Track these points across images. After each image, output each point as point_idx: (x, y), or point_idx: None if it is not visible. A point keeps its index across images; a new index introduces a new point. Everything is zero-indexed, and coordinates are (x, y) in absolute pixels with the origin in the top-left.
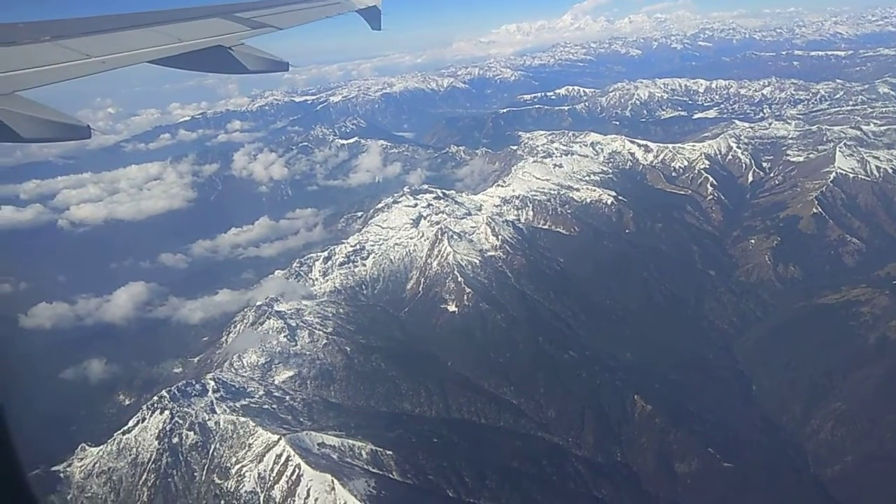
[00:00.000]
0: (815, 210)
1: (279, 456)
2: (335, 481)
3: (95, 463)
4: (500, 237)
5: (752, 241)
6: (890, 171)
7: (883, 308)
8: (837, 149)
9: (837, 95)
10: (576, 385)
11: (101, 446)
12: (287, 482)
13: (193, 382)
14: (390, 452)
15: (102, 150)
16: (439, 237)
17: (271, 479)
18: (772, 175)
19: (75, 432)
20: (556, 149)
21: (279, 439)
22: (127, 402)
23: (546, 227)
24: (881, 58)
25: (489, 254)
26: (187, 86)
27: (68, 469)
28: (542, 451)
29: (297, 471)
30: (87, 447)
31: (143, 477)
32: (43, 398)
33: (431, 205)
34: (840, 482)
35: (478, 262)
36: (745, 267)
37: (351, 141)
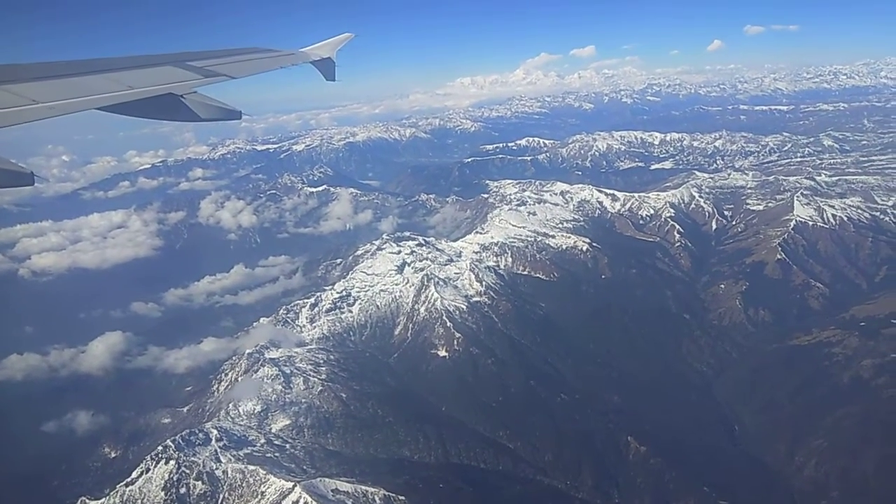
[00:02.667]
0: (779, 256)
1: (295, 503)
2: None
3: None
4: (483, 283)
5: (722, 286)
6: (845, 218)
7: (854, 349)
8: (795, 198)
9: (785, 148)
10: (570, 428)
11: (103, 499)
12: None
13: (197, 432)
14: (403, 497)
15: (60, 197)
16: (425, 283)
17: None
18: (734, 223)
19: (57, 488)
20: (529, 197)
21: (294, 486)
22: (113, 455)
23: (526, 273)
24: (821, 112)
25: (475, 299)
26: (142, 133)
27: None
28: (545, 494)
29: None
30: (87, 501)
31: None
32: (21, 453)
33: (415, 252)
34: None
35: (465, 307)
36: (718, 311)
37: (320, 189)
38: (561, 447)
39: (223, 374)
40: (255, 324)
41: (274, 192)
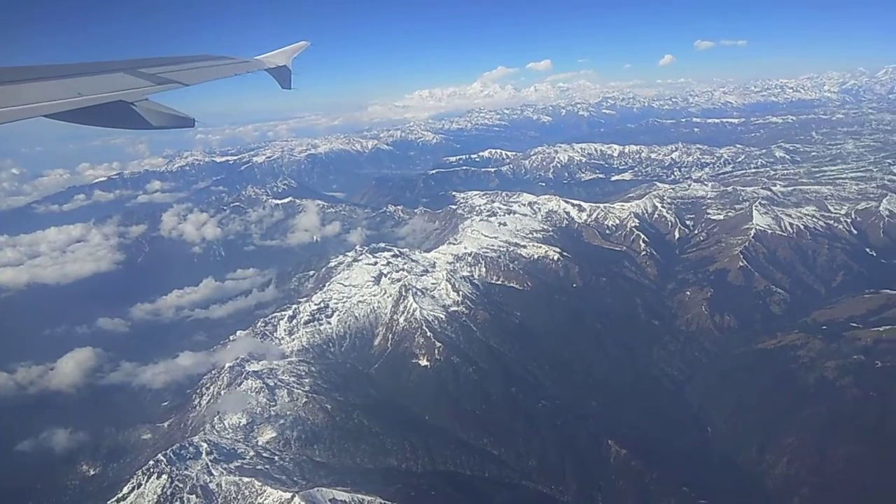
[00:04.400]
0: (741, 263)
1: None
2: None
3: None
4: (460, 293)
5: (688, 293)
6: (801, 227)
7: (818, 351)
8: (753, 207)
9: (739, 159)
10: (552, 433)
11: None
12: None
13: (187, 445)
14: None
15: (12, 211)
16: (403, 294)
17: None
18: (696, 232)
19: None
20: (499, 208)
21: (293, 496)
22: (92, 473)
23: (500, 282)
24: (771, 125)
25: (452, 309)
26: (93, 145)
27: None
28: (532, 499)
29: None
30: None
31: None
32: None
33: (390, 262)
34: None
35: (443, 317)
36: (685, 317)
37: (285, 201)
38: (544, 452)
39: (204, 388)
40: (231, 337)
41: (238, 204)
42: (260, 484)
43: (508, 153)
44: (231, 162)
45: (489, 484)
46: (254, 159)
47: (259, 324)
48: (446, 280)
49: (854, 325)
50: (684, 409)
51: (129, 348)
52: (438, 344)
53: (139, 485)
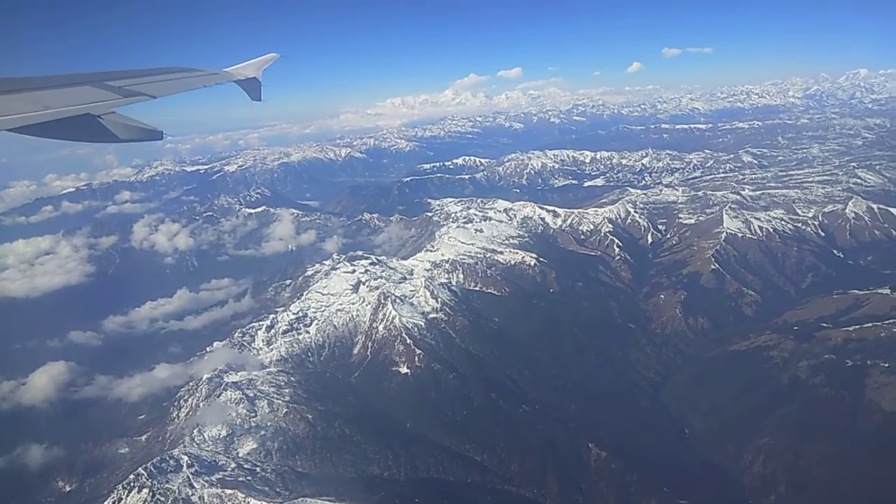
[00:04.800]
0: (713, 266)
1: None
2: None
3: None
4: (438, 300)
5: (662, 296)
6: (771, 230)
7: (790, 351)
8: (724, 211)
9: (708, 164)
10: (533, 438)
11: None
12: None
13: (167, 458)
14: None
15: None
16: (382, 301)
17: None
18: (668, 236)
19: None
20: (475, 215)
21: None
22: (68, 489)
23: (478, 288)
24: (738, 130)
25: (431, 316)
26: (59, 156)
27: None
28: (519, 502)
29: None
30: None
31: None
32: None
33: (368, 270)
34: None
35: (422, 324)
36: (660, 320)
37: (259, 210)
38: (526, 457)
39: (182, 401)
40: (209, 348)
41: (210, 213)
42: (244, 496)
43: (482, 160)
44: (202, 171)
45: (472, 490)
46: (225, 168)
47: (236, 334)
48: (424, 287)
49: (824, 325)
50: (662, 410)
51: (102, 361)
52: (418, 351)
53: (119, 499)
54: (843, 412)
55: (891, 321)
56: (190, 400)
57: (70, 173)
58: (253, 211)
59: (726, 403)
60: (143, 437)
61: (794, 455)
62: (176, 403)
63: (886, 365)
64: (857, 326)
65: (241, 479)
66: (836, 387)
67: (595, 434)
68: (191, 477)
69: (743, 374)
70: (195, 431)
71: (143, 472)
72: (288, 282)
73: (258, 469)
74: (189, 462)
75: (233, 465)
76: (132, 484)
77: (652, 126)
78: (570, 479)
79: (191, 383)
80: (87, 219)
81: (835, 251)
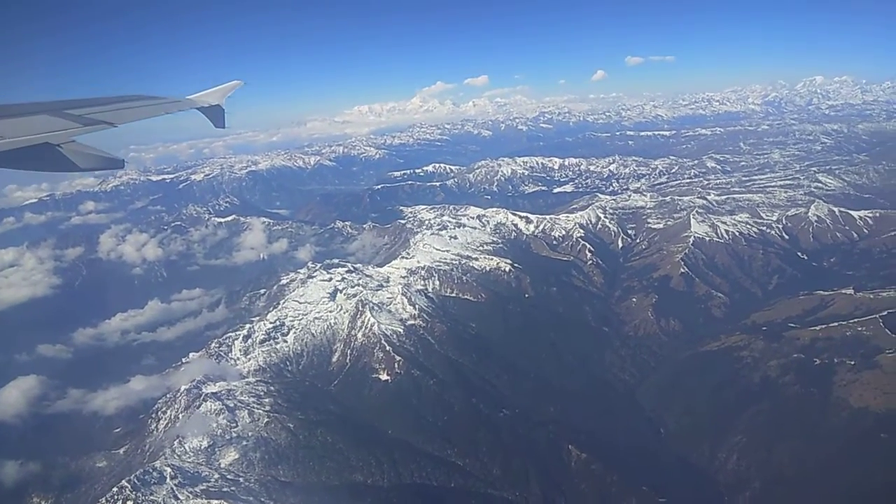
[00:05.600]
0: (682, 270)
1: None
2: None
3: None
4: (416, 306)
5: (634, 299)
6: (737, 233)
7: (760, 351)
8: (691, 216)
9: (673, 170)
10: (514, 441)
11: None
12: None
13: (150, 470)
14: None
15: None
16: (360, 309)
17: None
18: (638, 241)
19: None
20: (448, 221)
21: None
22: None
23: (454, 295)
24: (701, 137)
25: (409, 323)
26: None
27: None
28: None
29: None
30: None
31: None
32: None
33: (345, 278)
34: None
35: (401, 331)
36: (633, 323)
37: (228, 219)
38: (508, 460)
39: (160, 413)
40: (184, 359)
41: (179, 223)
42: None
43: (452, 167)
44: (168, 180)
45: (456, 494)
46: (192, 177)
47: (213, 344)
48: (402, 294)
49: (792, 325)
50: (638, 411)
51: (74, 375)
52: (398, 358)
53: None
54: (813, 409)
55: (855, 320)
56: (168, 412)
57: (31, 184)
58: (222, 220)
59: (700, 403)
60: (122, 450)
61: (766, 452)
62: (154, 415)
63: (853, 363)
64: (823, 326)
65: (224, 489)
66: (806, 385)
67: (574, 436)
68: (175, 489)
69: (715, 374)
70: (176, 443)
71: (126, 484)
72: (262, 291)
73: (241, 479)
74: (172, 474)
75: (216, 475)
76: (115, 497)
77: (617, 133)
78: (551, 481)
79: (168, 395)
80: (51, 230)
81: (799, 253)
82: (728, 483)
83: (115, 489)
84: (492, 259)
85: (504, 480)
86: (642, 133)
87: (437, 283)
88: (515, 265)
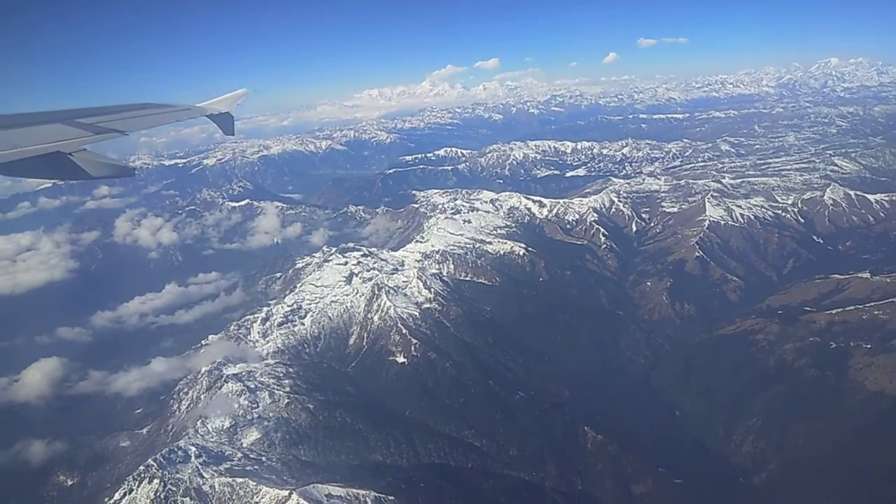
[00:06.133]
0: (697, 254)
1: None
2: None
3: None
4: (431, 290)
5: (649, 283)
6: (752, 217)
7: (776, 335)
8: (706, 199)
9: (687, 153)
10: (530, 423)
11: None
12: None
13: (176, 449)
14: (392, 498)
15: None
16: (376, 292)
17: None
18: (652, 224)
19: None
20: (462, 205)
21: (290, 494)
22: (70, 483)
23: (468, 278)
24: (715, 120)
25: (425, 306)
26: None
27: None
28: (517, 487)
29: None
30: None
31: None
32: None
33: (361, 262)
34: (768, 487)
35: (417, 314)
36: (647, 307)
37: (242, 203)
38: (524, 442)
39: (182, 393)
40: (203, 342)
41: (193, 207)
42: (255, 483)
43: (464, 151)
44: (180, 165)
45: (474, 474)
46: (204, 162)
47: (232, 327)
48: (417, 278)
49: (808, 308)
50: (652, 394)
51: (94, 357)
52: (414, 341)
53: (130, 490)
54: (829, 392)
55: (872, 304)
56: (190, 392)
57: None
58: (236, 204)
59: (715, 386)
60: (144, 430)
61: (782, 434)
62: (175, 396)
63: (869, 346)
64: (839, 310)
65: (248, 468)
66: (822, 368)
67: (590, 418)
68: (199, 467)
69: (730, 357)
70: (199, 423)
71: (153, 462)
72: (278, 274)
73: (263, 458)
74: (197, 452)
75: (239, 454)
76: (143, 475)
77: (630, 116)
78: (567, 462)
79: (189, 376)
80: (65, 214)
81: (814, 237)
82: (743, 465)
83: (141, 467)
84: (506, 243)
85: (521, 461)
86: (655, 116)
87: (451, 266)
88: (529, 249)
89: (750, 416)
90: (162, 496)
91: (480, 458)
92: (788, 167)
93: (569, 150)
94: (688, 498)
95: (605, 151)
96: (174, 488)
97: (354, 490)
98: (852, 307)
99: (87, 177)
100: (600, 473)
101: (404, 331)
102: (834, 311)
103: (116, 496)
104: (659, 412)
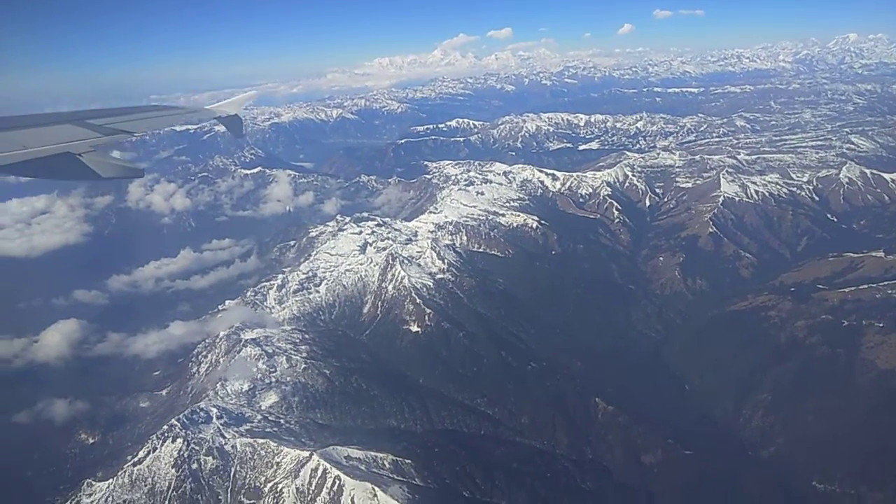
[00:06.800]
0: (710, 230)
1: (314, 470)
2: (376, 489)
3: (107, 497)
4: (445, 261)
5: (661, 258)
6: (766, 194)
7: (788, 311)
8: (721, 175)
9: (702, 128)
10: (542, 393)
11: (111, 480)
12: (329, 493)
13: (198, 410)
14: (409, 461)
15: None
16: (390, 262)
17: (311, 492)
18: (666, 199)
19: (33, 478)
20: (475, 177)
21: (311, 455)
22: (91, 441)
23: (481, 250)
24: (730, 94)
25: (439, 276)
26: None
27: None
28: (528, 453)
29: (337, 482)
30: (93, 483)
31: None
32: None
33: (375, 232)
34: (776, 461)
35: (431, 284)
36: (659, 281)
37: (255, 170)
38: (536, 411)
39: (201, 357)
40: (220, 306)
41: (205, 174)
42: (276, 444)
43: (476, 122)
44: (192, 131)
45: (487, 441)
46: (215, 128)
47: (248, 293)
48: (431, 248)
49: (820, 286)
50: (663, 368)
51: (111, 319)
52: (428, 310)
53: (154, 448)
54: (839, 370)
55: (885, 283)
56: (209, 356)
57: None
58: (248, 172)
59: (725, 361)
60: (164, 392)
61: (791, 410)
62: (194, 359)
63: (881, 325)
64: (852, 288)
65: (267, 430)
66: (833, 345)
67: (601, 390)
68: (221, 428)
69: (741, 333)
70: (218, 386)
71: (176, 423)
72: (292, 242)
73: (282, 421)
74: (218, 414)
75: (258, 417)
76: (166, 434)
77: (644, 89)
78: (578, 431)
79: (207, 340)
80: None
81: (829, 215)
82: (752, 439)
83: (165, 427)
84: (518, 215)
85: (532, 430)
86: (670, 90)
87: (464, 238)
88: (542, 222)
89: (760, 391)
90: (185, 455)
91: (493, 426)
92: (804, 144)
93: (582, 123)
94: (696, 469)
95: (618, 125)
96: (197, 447)
97: (373, 453)
98: (865, 286)
99: (96, 177)
100: (610, 443)
101: (418, 300)
102: (847, 290)
103: (141, 454)
104: (669, 386)
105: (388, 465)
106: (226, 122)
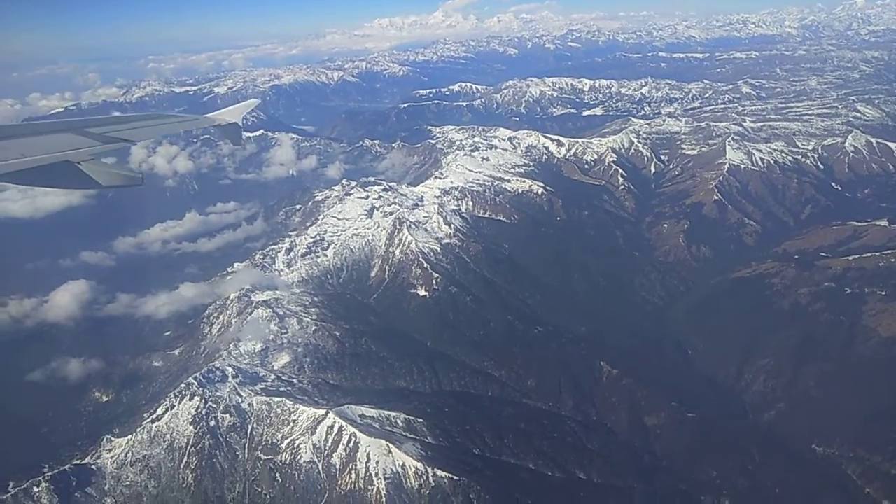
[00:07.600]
0: (715, 197)
1: (331, 427)
2: (390, 445)
3: (127, 453)
4: (452, 226)
5: (665, 225)
6: (772, 161)
7: (791, 279)
8: (727, 143)
9: (707, 95)
10: (548, 356)
11: (130, 436)
12: (345, 449)
13: (214, 369)
14: (421, 420)
15: None
16: (398, 227)
17: (327, 448)
18: (671, 166)
19: (48, 434)
20: (480, 143)
21: (327, 412)
22: (105, 399)
23: (487, 216)
24: (736, 60)
25: (445, 241)
26: (38, 74)
27: (98, 461)
28: (535, 414)
29: (353, 439)
30: (112, 438)
31: (185, 461)
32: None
33: (381, 196)
34: (777, 424)
35: (438, 249)
36: (663, 248)
37: (257, 133)
38: (542, 373)
39: (213, 318)
40: (229, 269)
41: (208, 136)
42: (292, 403)
43: (479, 87)
44: (191, 93)
45: (494, 402)
46: (215, 90)
47: (257, 256)
48: (437, 213)
49: (824, 254)
50: (666, 333)
51: (120, 281)
52: (435, 275)
53: (172, 406)
54: (841, 337)
55: (888, 251)
56: (221, 317)
57: (54, 92)
58: (251, 135)
59: (728, 327)
60: (176, 352)
61: (793, 374)
62: (206, 320)
63: (883, 293)
64: (855, 256)
65: (281, 389)
66: (835, 313)
67: (606, 353)
68: (237, 386)
69: (744, 299)
70: (231, 346)
71: (192, 381)
72: (297, 206)
73: (294, 381)
74: (233, 373)
75: (272, 376)
76: (183, 392)
77: (649, 54)
78: (583, 393)
79: (218, 301)
80: None
81: (833, 184)
82: (754, 403)
83: (182, 385)
84: (524, 181)
85: (538, 392)
86: (675, 55)
87: (470, 203)
88: (547, 188)
89: (762, 356)
90: (203, 412)
91: (500, 388)
92: (810, 112)
93: (586, 88)
94: (699, 431)
95: (623, 90)
96: (214, 405)
97: (386, 412)
98: (869, 254)
99: (95, 186)
100: (615, 405)
101: (425, 265)
102: (850, 258)
103: (159, 411)
104: (672, 350)
105: (400, 424)
106: (224, 130)
